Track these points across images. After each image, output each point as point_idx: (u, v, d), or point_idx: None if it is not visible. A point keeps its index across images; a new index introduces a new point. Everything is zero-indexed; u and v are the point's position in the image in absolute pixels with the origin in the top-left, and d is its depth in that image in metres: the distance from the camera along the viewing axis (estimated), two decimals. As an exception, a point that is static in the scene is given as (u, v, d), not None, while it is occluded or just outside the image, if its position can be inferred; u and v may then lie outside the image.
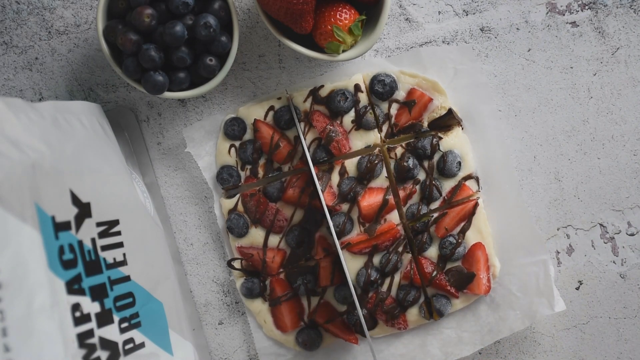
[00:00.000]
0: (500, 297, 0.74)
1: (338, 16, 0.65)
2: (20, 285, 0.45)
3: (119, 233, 0.61)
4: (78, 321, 0.51)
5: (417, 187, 0.73)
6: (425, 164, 0.73)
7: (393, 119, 0.73)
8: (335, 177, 0.72)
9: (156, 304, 0.66)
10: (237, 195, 0.74)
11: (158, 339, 0.64)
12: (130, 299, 0.61)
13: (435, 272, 0.72)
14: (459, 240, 0.72)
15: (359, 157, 0.72)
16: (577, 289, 0.77)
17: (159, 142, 0.76)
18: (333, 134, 0.72)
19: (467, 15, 0.75)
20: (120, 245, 0.61)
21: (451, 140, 0.73)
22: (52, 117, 0.57)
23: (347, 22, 0.65)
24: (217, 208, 0.75)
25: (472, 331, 0.74)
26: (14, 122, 0.50)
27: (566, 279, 0.77)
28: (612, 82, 0.76)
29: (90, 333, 0.52)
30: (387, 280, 0.73)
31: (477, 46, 0.75)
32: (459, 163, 0.73)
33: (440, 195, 0.73)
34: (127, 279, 0.61)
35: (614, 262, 0.76)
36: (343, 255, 0.70)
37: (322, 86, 0.73)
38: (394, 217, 0.72)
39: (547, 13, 0.75)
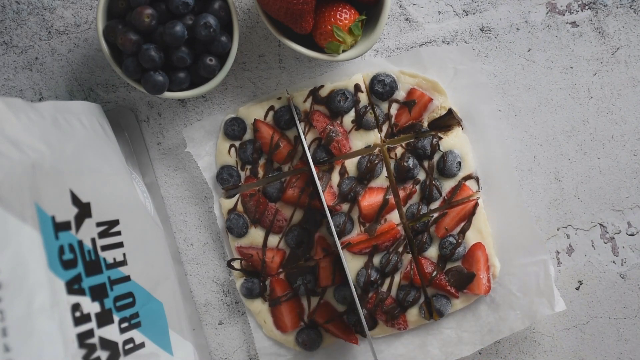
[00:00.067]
0: (500, 297, 0.74)
1: (338, 16, 0.65)
2: (20, 285, 0.45)
3: (119, 233, 0.61)
4: (78, 321, 0.51)
5: (417, 187, 0.73)
6: (425, 164, 0.73)
7: (393, 119, 0.73)
8: (335, 177, 0.73)
9: (156, 304, 0.66)
10: (237, 195, 0.74)
11: (158, 339, 0.64)
12: (130, 299, 0.61)
13: (435, 272, 0.72)
14: (459, 240, 0.72)
15: (359, 157, 0.72)
16: (577, 289, 0.77)
17: (159, 142, 0.76)
18: (333, 134, 0.72)
19: (467, 15, 0.75)
20: (120, 245, 0.61)
21: (451, 140, 0.73)
22: (52, 117, 0.57)
23: (347, 22, 0.65)
24: (217, 208, 0.75)
25: (472, 331, 0.74)
26: (14, 122, 0.50)
27: (566, 279, 0.77)
28: (612, 82, 0.76)
29: (90, 333, 0.52)
30: (387, 281, 0.73)
31: (477, 46, 0.75)
32: (459, 163, 0.73)
33: (440, 195, 0.73)
34: (127, 279, 0.61)
35: (614, 262, 0.76)
36: (343, 255, 0.70)
37: (322, 86, 0.73)
38: (394, 217, 0.72)
39: (547, 13, 0.75)
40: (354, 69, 0.74)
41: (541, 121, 0.76)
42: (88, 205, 0.57)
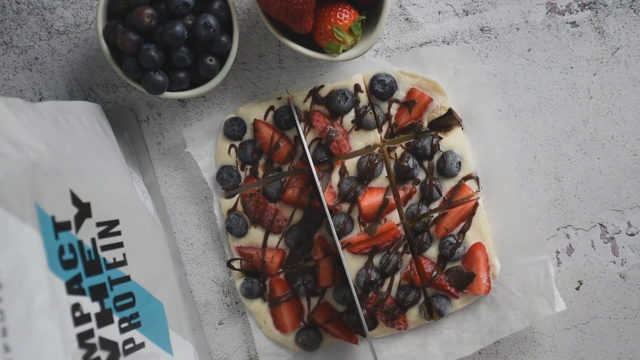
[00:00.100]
0: (500, 297, 0.74)
1: (338, 16, 0.65)
2: (20, 285, 0.45)
3: (119, 233, 0.61)
4: (78, 321, 0.51)
5: (417, 187, 0.73)
6: (425, 164, 0.73)
7: (393, 119, 0.73)
8: (335, 177, 0.73)
9: (156, 304, 0.66)
10: (237, 195, 0.74)
11: (158, 339, 0.64)
12: (130, 299, 0.61)
13: (435, 272, 0.72)
14: (459, 240, 0.72)
15: (359, 157, 0.72)
16: (577, 289, 0.77)
17: (159, 142, 0.76)
18: (333, 134, 0.72)
19: (467, 15, 0.75)
20: (120, 245, 0.61)
21: (451, 140, 0.73)
22: (52, 117, 0.57)
23: (347, 22, 0.65)
24: (217, 208, 0.75)
25: (472, 331, 0.74)
26: (14, 122, 0.50)
27: (566, 279, 0.77)
28: (612, 82, 0.76)
29: (90, 333, 0.52)
30: (387, 281, 0.73)
31: (477, 46, 0.75)
32: (459, 163, 0.73)
33: (440, 195, 0.73)
34: (127, 279, 0.61)
35: (614, 262, 0.76)
36: (343, 255, 0.70)
37: (322, 86, 0.73)
38: (394, 217, 0.72)
39: (547, 13, 0.75)
40: (354, 69, 0.74)
41: (541, 121, 0.76)
42: (88, 205, 0.57)
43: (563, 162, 0.76)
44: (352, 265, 0.72)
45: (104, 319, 0.55)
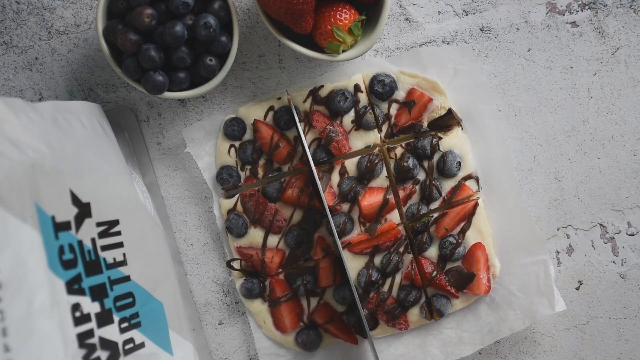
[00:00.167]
0: (500, 297, 0.74)
1: (338, 16, 0.65)
2: (20, 285, 0.45)
3: (119, 233, 0.61)
4: (78, 321, 0.51)
5: (417, 187, 0.73)
6: (425, 164, 0.73)
7: (393, 119, 0.73)
8: (335, 177, 0.73)
9: (156, 304, 0.66)
10: (236, 196, 0.74)
11: (158, 339, 0.64)
12: (130, 299, 0.61)
13: (435, 272, 0.72)
14: (459, 240, 0.72)
15: (359, 157, 0.72)
16: (577, 289, 0.77)
17: (159, 142, 0.76)
18: (333, 134, 0.72)
19: (467, 15, 0.75)
20: (120, 245, 0.61)
21: (451, 140, 0.73)
22: (52, 117, 0.57)
23: (347, 22, 0.65)
24: (217, 208, 0.75)
25: (472, 331, 0.74)
26: (14, 122, 0.50)
27: (566, 279, 0.77)
28: (612, 82, 0.76)
29: (90, 333, 0.52)
30: (388, 281, 0.73)
31: (477, 46, 0.75)
32: (459, 163, 0.73)
33: (440, 195, 0.73)
34: (127, 279, 0.61)
35: (614, 262, 0.76)
36: (344, 255, 0.70)
37: (322, 86, 0.73)
38: (394, 217, 0.72)
39: (547, 13, 0.75)
40: (354, 69, 0.74)
41: (541, 121, 0.76)
42: (88, 205, 0.57)
43: (563, 162, 0.76)
44: (353, 265, 0.72)
45: (104, 319, 0.55)
